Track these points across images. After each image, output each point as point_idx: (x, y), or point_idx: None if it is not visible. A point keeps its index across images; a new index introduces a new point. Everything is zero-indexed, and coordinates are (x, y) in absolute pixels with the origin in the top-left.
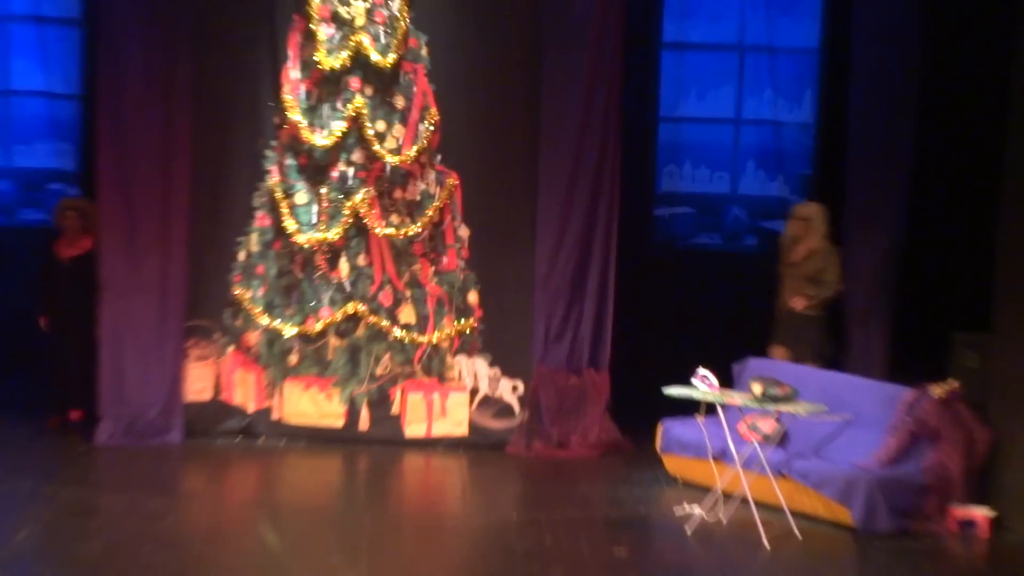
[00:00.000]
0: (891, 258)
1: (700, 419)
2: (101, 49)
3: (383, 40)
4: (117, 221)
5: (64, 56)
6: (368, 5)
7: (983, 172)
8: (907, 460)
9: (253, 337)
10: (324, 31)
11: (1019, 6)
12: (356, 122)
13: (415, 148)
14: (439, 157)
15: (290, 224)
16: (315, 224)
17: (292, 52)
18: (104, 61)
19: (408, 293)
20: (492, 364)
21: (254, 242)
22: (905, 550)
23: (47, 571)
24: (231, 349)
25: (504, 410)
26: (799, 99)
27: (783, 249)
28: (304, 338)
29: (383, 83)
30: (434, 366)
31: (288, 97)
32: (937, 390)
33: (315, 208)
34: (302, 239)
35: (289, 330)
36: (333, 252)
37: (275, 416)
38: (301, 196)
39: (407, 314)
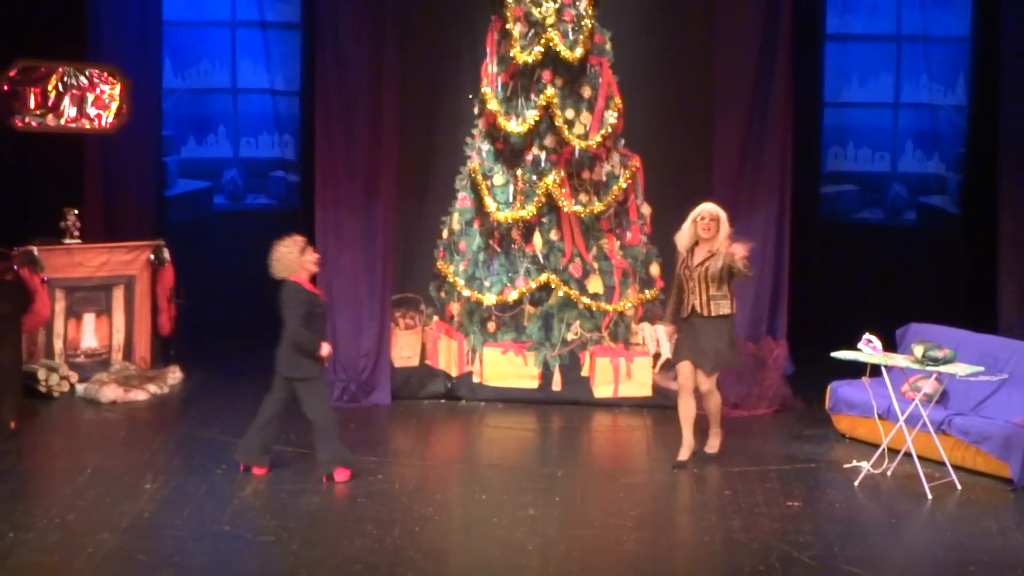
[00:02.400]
0: None
1: (866, 380)
2: (319, 51)
3: (571, 36)
4: (332, 204)
5: (285, 57)
6: (557, 5)
7: None
8: None
9: (455, 307)
10: (518, 30)
11: None
12: (547, 111)
13: (601, 133)
14: (623, 141)
15: (489, 203)
16: (511, 203)
17: (490, 49)
18: (321, 61)
19: (596, 265)
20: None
21: (456, 220)
22: None
23: (272, 521)
24: (435, 318)
25: None
26: (953, 84)
27: (681, 251)
28: (501, 307)
29: (572, 75)
30: (620, 332)
31: (486, 89)
32: None
33: (511, 188)
34: (500, 217)
35: (488, 300)
36: (527, 228)
37: (476, 379)
38: (499, 178)
39: (595, 284)
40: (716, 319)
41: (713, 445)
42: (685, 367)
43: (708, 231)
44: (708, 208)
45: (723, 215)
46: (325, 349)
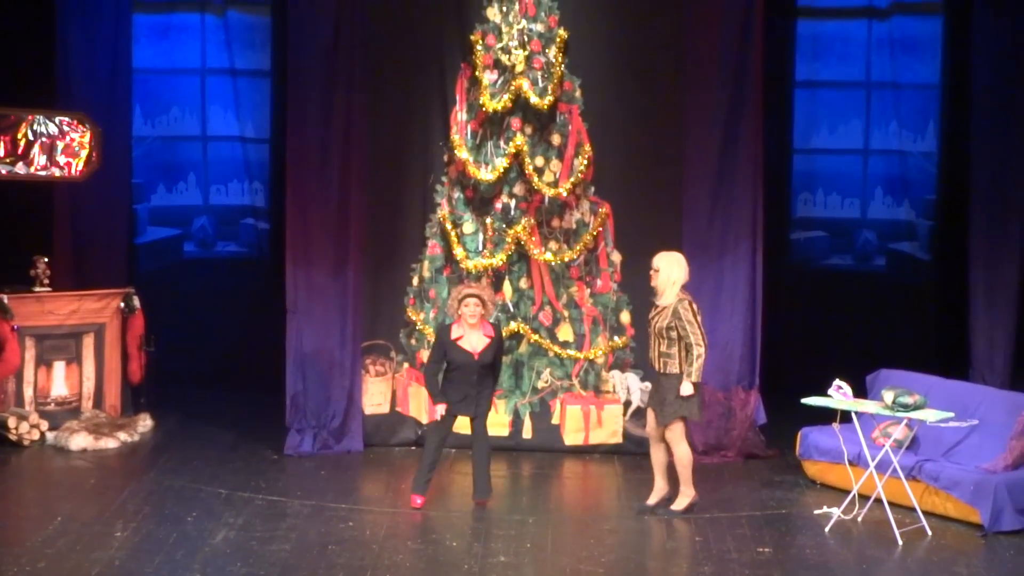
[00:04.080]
0: (1014, 276)
1: (836, 426)
2: (288, 98)
3: (541, 84)
4: (302, 251)
5: (255, 105)
6: (527, 53)
7: None
8: None
9: (426, 355)
10: (488, 77)
11: None
12: (517, 158)
13: (571, 181)
14: (592, 189)
15: (459, 251)
16: (481, 251)
17: (459, 96)
18: (291, 109)
19: (566, 313)
20: (644, 379)
21: (426, 268)
22: None
23: (243, 569)
24: (406, 366)
25: None
26: (923, 130)
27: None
28: None
29: (541, 123)
30: (590, 380)
31: (456, 137)
32: None
33: (481, 236)
34: (470, 265)
35: None
36: (498, 276)
37: None
38: (468, 226)
39: (565, 332)
40: (669, 375)
41: (679, 503)
42: (651, 415)
43: (652, 280)
44: (655, 258)
45: (663, 264)
46: (437, 412)
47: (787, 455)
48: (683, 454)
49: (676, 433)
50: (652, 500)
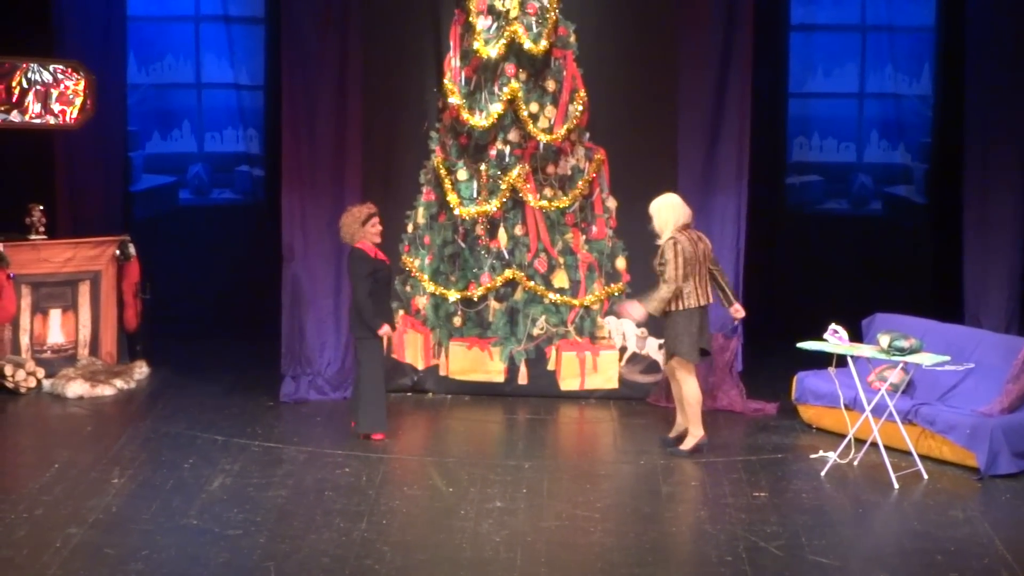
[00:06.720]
0: (1008, 220)
1: (832, 370)
2: (283, 45)
3: (535, 29)
4: (298, 199)
5: (249, 51)
6: None
7: None
8: None
9: (421, 301)
10: (482, 23)
11: None
12: (512, 105)
13: (565, 127)
14: (587, 135)
15: (453, 198)
16: (476, 198)
17: (453, 43)
18: (286, 56)
19: (561, 260)
20: (639, 325)
21: (421, 215)
22: None
23: (239, 515)
24: (401, 313)
25: (651, 366)
26: (918, 73)
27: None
28: (466, 302)
29: (536, 69)
30: (586, 327)
31: (450, 83)
32: None
33: (476, 183)
34: (464, 212)
35: (453, 295)
36: (492, 223)
37: (442, 373)
38: (463, 173)
39: (560, 279)
40: (669, 313)
41: (687, 443)
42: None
43: (653, 225)
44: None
45: (654, 210)
46: (384, 329)
47: (782, 399)
48: (689, 391)
49: (683, 369)
50: (673, 434)
